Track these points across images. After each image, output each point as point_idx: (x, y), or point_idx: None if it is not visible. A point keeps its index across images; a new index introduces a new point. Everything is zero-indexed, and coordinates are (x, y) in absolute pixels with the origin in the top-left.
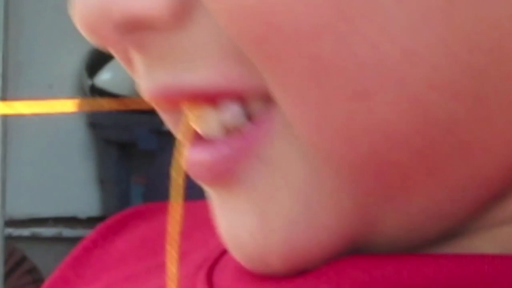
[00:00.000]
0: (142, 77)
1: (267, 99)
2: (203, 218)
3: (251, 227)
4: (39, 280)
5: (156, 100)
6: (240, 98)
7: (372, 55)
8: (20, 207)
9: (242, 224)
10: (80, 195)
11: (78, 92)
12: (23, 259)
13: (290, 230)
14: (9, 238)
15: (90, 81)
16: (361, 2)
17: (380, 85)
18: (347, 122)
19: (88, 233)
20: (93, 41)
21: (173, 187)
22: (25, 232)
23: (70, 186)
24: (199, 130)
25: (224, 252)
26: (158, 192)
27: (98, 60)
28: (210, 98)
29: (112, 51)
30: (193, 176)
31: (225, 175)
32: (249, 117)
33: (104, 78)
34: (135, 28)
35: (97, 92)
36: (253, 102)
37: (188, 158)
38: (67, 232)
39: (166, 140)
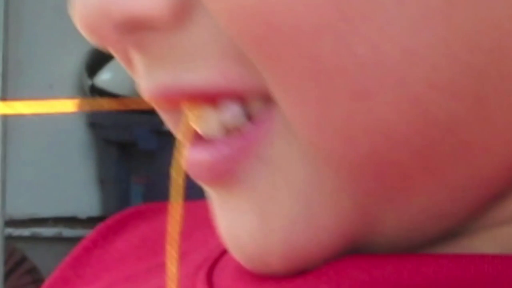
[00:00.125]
0: (142, 77)
1: (267, 99)
2: (203, 218)
3: (251, 227)
4: (39, 280)
5: (156, 100)
6: (240, 98)
7: (372, 55)
8: (20, 207)
9: (242, 224)
10: (80, 195)
11: (78, 92)
12: (23, 259)
13: (290, 230)
14: (9, 238)
15: (90, 81)
16: (361, 2)
17: (380, 85)
18: (347, 122)
19: (88, 233)
20: (93, 41)
21: (173, 187)
22: (25, 232)
23: (70, 186)
24: (199, 130)
25: (224, 252)
26: (158, 192)
27: (98, 60)
28: (210, 98)
29: (112, 51)
30: (193, 176)
31: (225, 175)
32: (249, 117)
33: (104, 78)
34: (135, 28)
35: (97, 92)
36: (253, 102)
37: (188, 158)
38: (67, 232)
39: (166, 140)
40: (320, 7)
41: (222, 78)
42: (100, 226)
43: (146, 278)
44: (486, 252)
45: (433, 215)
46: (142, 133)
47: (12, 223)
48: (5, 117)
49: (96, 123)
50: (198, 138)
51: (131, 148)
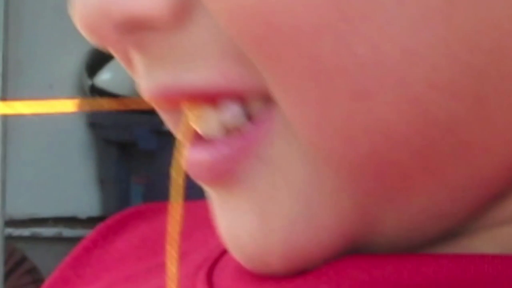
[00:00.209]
0: (142, 77)
1: (267, 99)
2: (203, 218)
3: (251, 227)
4: (39, 280)
5: (156, 100)
6: (240, 98)
7: (372, 55)
8: (20, 207)
9: (242, 224)
10: (80, 195)
11: (78, 92)
12: (23, 259)
13: (290, 230)
14: (9, 238)
15: (90, 81)
16: (361, 2)
17: (380, 85)
18: (347, 122)
19: (88, 233)
20: (93, 41)
21: (173, 187)
22: (25, 232)
23: (70, 186)
24: (199, 130)
25: (224, 252)
26: (158, 192)
27: (98, 60)
28: (210, 98)
29: (112, 51)
30: (193, 176)
31: (225, 175)
32: (249, 117)
33: (104, 78)
34: (134, 28)
35: (97, 92)
36: (253, 102)
37: (188, 158)
38: (67, 232)
39: (166, 140)
40: (320, 7)
41: (222, 78)
42: (100, 226)
43: (146, 278)
44: (486, 252)
45: (433, 215)
46: (142, 133)
47: (12, 223)
48: (5, 117)
49: (96, 123)
50: (198, 138)
51: (131, 148)
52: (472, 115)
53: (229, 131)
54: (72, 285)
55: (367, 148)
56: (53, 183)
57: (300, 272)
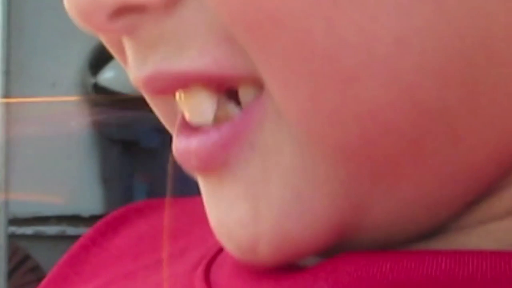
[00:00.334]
0: (134, 65)
1: (258, 86)
2: (202, 215)
3: (241, 214)
4: (43, 278)
5: (147, 86)
6: (231, 84)
7: (363, 41)
8: (23, 206)
9: (232, 211)
10: (83, 194)
11: (81, 90)
12: (27, 257)
13: (280, 217)
14: (12, 237)
15: (93, 79)
16: None
17: (370, 71)
18: (337, 108)
19: None
20: (85, 28)
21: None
22: (29, 230)
23: (73, 184)
24: (188, 118)
25: (222, 249)
26: (161, 190)
27: (101, 58)
28: (200, 84)
29: (105, 41)
30: (183, 164)
31: (216, 162)
32: (240, 105)
33: (107, 76)
34: (126, 13)
35: (100, 90)
36: (244, 89)
37: (177, 147)
38: (70, 230)
39: (169, 138)
40: None
41: (213, 63)
42: (98, 223)
43: (144, 274)
44: (483, 247)
45: (425, 205)
46: (145, 132)
47: (15, 221)
48: (9, 115)
49: (99, 122)
50: (187, 126)
51: (134, 146)
52: (463, 103)
53: (219, 119)
54: (71, 283)
55: (358, 135)
56: (57, 181)
57: (289, 263)
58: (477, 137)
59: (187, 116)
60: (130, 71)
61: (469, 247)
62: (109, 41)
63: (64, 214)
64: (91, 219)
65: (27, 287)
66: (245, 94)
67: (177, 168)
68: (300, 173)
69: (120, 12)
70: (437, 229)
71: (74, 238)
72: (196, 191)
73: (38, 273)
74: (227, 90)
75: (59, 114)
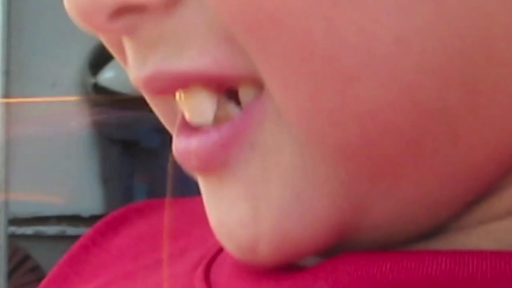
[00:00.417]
0: (134, 66)
1: (258, 86)
2: (202, 215)
3: (240, 214)
4: (43, 279)
5: (147, 86)
6: (230, 84)
7: (363, 41)
8: (23, 205)
9: (232, 211)
10: (83, 194)
11: (81, 90)
12: (27, 257)
13: (280, 216)
14: (12, 237)
15: (93, 79)
16: None
17: (370, 71)
18: (337, 108)
19: None
20: (85, 28)
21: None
22: (29, 230)
23: (73, 184)
24: (188, 118)
25: (221, 249)
26: (161, 190)
27: (101, 58)
28: (200, 84)
29: (105, 41)
30: (183, 164)
31: (215, 162)
32: (240, 105)
33: (107, 76)
34: (126, 12)
35: (100, 90)
36: (244, 89)
37: (178, 146)
38: (70, 230)
39: (169, 138)
40: None
41: (213, 63)
42: (98, 223)
43: (144, 275)
44: (483, 247)
45: (424, 205)
46: (145, 131)
47: (15, 221)
48: (9, 115)
49: (99, 122)
50: (188, 127)
51: (134, 146)
52: (463, 103)
53: (219, 119)
54: (71, 283)
55: (358, 135)
56: (56, 181)
57: (289, 263)
58: (477, 137)
59: (187, 116)
60: (130, 71)
61: (469, 247)
62: (109, 41)
63: (64, 214)
64: (91, 219)
65: (27, 287)
66: (245, 94)
67: (177, 168)
68: (300, 173)
69: (120, 12)
70: (437, 229)
71: (74, 238)
72: (196, 191)
73: (38, 273)
74: (227, 90)
75: (59, 114)
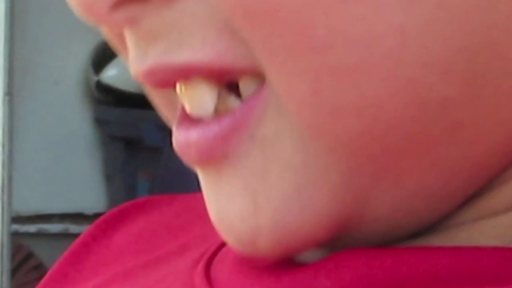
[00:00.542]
0: (135, 58)
1: (259, 78)
2: (203, 211)
3: (241, 207)
4: None
5: (147, 78)
6: (231, 76)
7: (365, 33)
8: (26, 204)
9: (232, 204)
10: (86, 192)
11: (84, 88)
12: (30, 255)
13: (280, 209)
14: (15, 235)
15: (96, 77)
16: None
17: (372, 64)
18: (338, 101)
19: None
20: (87, 19)
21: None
22: (32, 228)
23: (76, 182)
24: (189, 110)
25: (222, 246)
26: (164, 188)
27: (104, 56)
28: (201, 76)
29: (107, 34)
30: (183, 157)
31: (215, 154)
32: (240, 97)
33: (110, 74)
34: (127, 3)
35: (103, 88)
36: (245, 82)
37: (177, 139)
38: (73, 228)
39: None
40: None
41: (215, 55)
42: (99, 220)
43: (145, 272)
44: (484, 243)
45: (425, 198)
46: (148, 129)
47: (18, 219)
48: (12, 113)
49: (102, 119)
50: (188, 119)
51: (137, 144)
52: (464, 96)
53: (219, 112)
54: (71, 280)
55: (359, 128)
56: (60, 179)
57: (290, 256)
58: (478, 131)
59: (188, 108)
60: (131, 63)
61: (470, 243)
62: (110, 34)
63: (67, 212)
64: (94, 217)
65: (30, 285)
66: (245, 86)
67: (179, 166)
68: (300, 165)
69: (121, 3)
70: (437, 225)
71: (77, 236)
72: (197, 188)
73: (41, 271)
74: (227, 83)
75: (62, 112)
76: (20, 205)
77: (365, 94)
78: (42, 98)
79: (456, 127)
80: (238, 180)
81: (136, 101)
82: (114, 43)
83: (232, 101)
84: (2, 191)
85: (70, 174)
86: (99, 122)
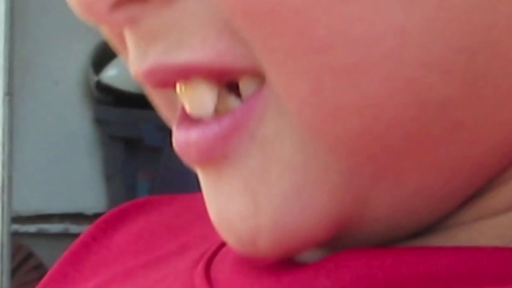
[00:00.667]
0: (135, 58)
1: (259, 78)
2: (203, 211)
3: (241, 207)
4: None
5: (147, 78)
6: (231, 77)
7: (365, 33)
8: (26, 204)
9: (232, 204)
10: (86, 192)
11: (84, 88)
12: (30, 255)
13: (280, 209)
14: (15, 235)
15: (96, 77)
16: None
17: (372, 64)
18: (337, 101)
19: None
20: (88, 19)
21: None
22: (32, 228)
23: (76, 182)
24: (189, 110)
25: (222, 245)
26: (164, 188)
27: (104, 56)
28: (201, 76)
29: (107, 33)
30: (183, 157)
31: (215, 154)
32: (240, 97)
33: (110, 74)
34: (127, 3)
35: (103, 88)
36: (245, 82)
37: (177, 139)
38: (73, 228)
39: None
40: None
41: (215, 55)
42: (99, 220)
43: (145, 272)
44: (484, 243)
45: (425, 198)
46: (148, 129)
47: (18, 219)
48: (11, 113)
49: (102, 119)
50: (188, 119)
51: (137, 144)
52: (464, 96)
53: (219, 112)
54: (71, 280)
55: (359, 128)
56: (60, 179)
57: (290, 256)
58: (478, 131)
59: (188, 108)
60: (131, 63)
61: (470, 243)
62: (110, 34)
63: (67, 212)
64: (95, 217)
65: (30, 285)
66: (245, 86)
67: (179, 166)
68: (300, 165)
69: (121, 3)
70: (437, 225)
71: (77, 236)
72: (197, 188)
73: (41, 271)
74: (227, 83)
75: (62, 112)
76: (20, 205)
77: (365, 94)
78: (42, 98)
79: (456, 127)
80: (238, 180)
81: (136, 101)
82: (114, 43)
83: (232, 101)
84: (2, 191)
85: (70, 174)
86: (99, 122)
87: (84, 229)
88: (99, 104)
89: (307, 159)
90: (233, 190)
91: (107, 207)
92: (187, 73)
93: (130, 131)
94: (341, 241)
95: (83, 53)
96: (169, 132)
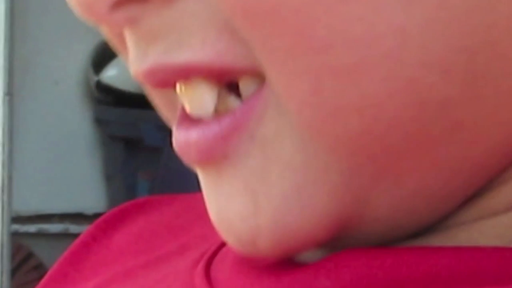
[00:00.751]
0: (135, 58)
1: (259, 78)
2: (203, 211)
3: (241, 207)
4: None
5: (147, 78)
6: (231, 77)
7: (365, 34)
8: (26, 204)
9: (232, 204)
10: (86, 192)
11: (84, 88)
12: (30, 255)
13: (280, 209)
14: (15, 235)
15: (96, 77)
16: None
17: (373, 64)
18: (337, 101)
19: None
20: (88, 19)
21: None
22: (32, 228)
23: (76, 182)
24: (189, 110)
25: (222, 245)
26: (164, 188)
27: (104, 56)
28: (201, 76)
29: (107, 33)
30: (183, 157)
31: (215, 154)
32: (240, 97)
33: (110, 74)
34: (127, 3)
35: (103, 88)
36: (245, 82)
37: (177, 139)
38: (73, 228)
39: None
40: None
41: (215, 55)
42: (99, 220)
43: (145, 272)
44: (484, 243)
45: (425, 198)
46: (148, 129)
47: (18, 219)
48: (11, 113)
49: (102, 119)
50: (188, 119)
51: (137, 144)
52: (464, 96)
53: (219, 112)
54: (71, 280)
55: (359, 128)
56: (60, 179)
57: (290, 255)
58: (478, 131)
59: (188, 108)
60: (131, 63)
61: (470, 243)
62: (110, 34)
63: (67, 212)
64: (95, 217)
65: (30, 285)
66: (245, 86)
67: (179, 166)
68: (300, 165)
69: (121, 3)
70: (437, 224)
71: (77, 236)
72: (197, 188)
73: (41, 271)
74: (227, 83)
75: (62, 112)
76: (20, 205)
77: (365, 94)
78: (42, 98)
79: (456, 127)
80: (238, 180)
81: (136, 101)
82: (114, 43)
83: (232, 101)
84: (2, 191)
85: (70, 174)
86: (99, 122)
87: (84, 229)
88: (99, 104)
89: (307, 159)
90: (233, 190)
91: (107, 207)
92: (187, 73)
93: (130, 131)
94: (341, 241)
95: (83, 53)
96: (169, 132)
